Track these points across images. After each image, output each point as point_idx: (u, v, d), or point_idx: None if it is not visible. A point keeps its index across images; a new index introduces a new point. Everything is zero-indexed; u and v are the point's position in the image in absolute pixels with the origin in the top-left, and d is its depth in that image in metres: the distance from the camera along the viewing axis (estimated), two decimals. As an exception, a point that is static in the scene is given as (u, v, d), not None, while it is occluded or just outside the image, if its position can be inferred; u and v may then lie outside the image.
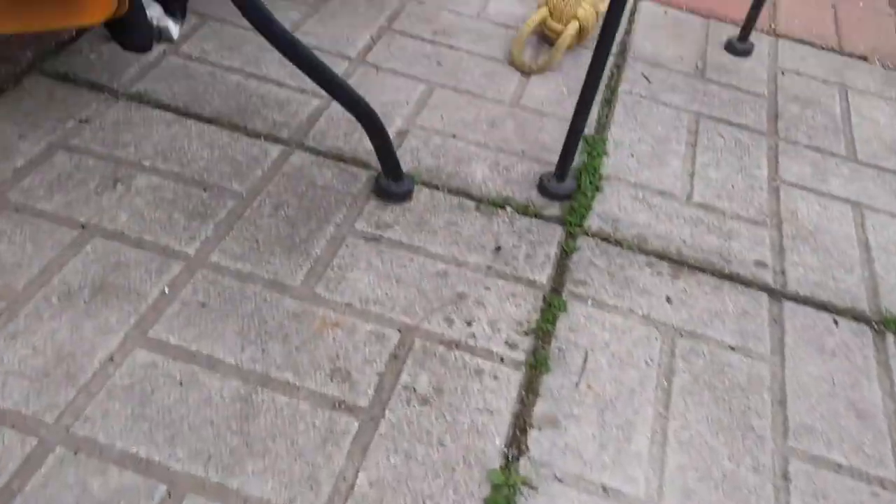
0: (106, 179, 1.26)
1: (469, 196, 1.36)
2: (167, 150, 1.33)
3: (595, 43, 1.21)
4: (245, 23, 1.68)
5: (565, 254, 1.29)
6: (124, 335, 1.04)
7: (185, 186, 1.28)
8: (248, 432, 0.96)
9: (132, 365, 1.01)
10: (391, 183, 1.32)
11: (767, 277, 1.31)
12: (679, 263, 1.30)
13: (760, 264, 1.32)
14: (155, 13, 1.59)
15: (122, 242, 1.17)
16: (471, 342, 1.12)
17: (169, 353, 1.03)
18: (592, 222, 1.35)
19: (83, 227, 1.18)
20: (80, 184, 1.24)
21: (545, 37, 1.78)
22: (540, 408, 1.06)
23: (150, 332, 1.05)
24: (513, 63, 1.69)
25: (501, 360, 1.11)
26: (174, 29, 1.60)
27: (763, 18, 1.99)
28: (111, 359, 1.01)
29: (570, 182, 1.38)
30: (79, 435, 0.93)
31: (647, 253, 1.31)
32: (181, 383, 1.00)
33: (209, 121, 1.42)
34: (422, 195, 1.35)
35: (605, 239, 1.33)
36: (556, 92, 1.65)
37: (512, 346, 1.13)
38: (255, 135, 1.41)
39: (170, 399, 0.98)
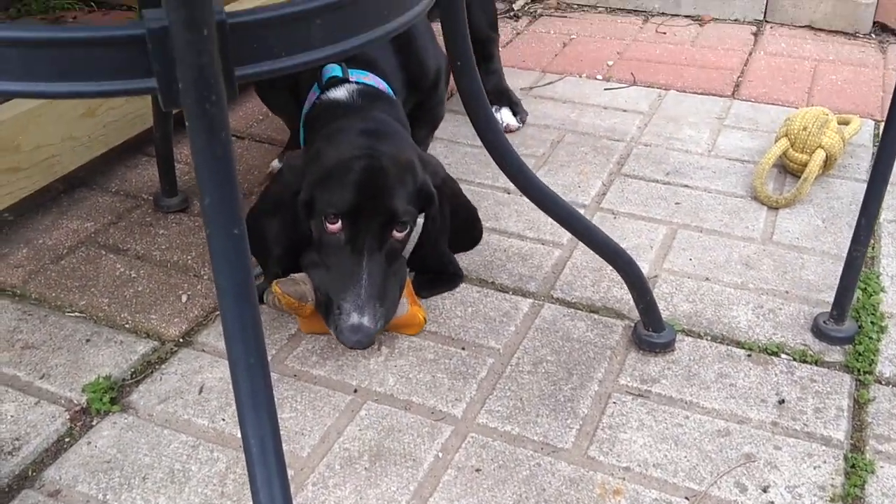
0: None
1: (737, 343, 1.27)
2: (423, 309, 1.37)
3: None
4: (481, 180, 1.75)
5: (859, 405, 1.16)
6: (406, 504, 1.03)
7: (443, 346, 1.29)
8: None
9: (419, 537, 0.99)
10: (652, 334, 1.26)
11: None
12: None
13: None
14: None
15: (393, 406, 1.18)
16: (771, 512, 1.01)
17: (452, 525, 1.01)
18: (884, 368, 1.22)
19: (355, 391, 1.21)
20: (348, 349, 1.29)
21: (786, 168, 1.70)
22: None
23: (430, 502, 1.04)
24: (757, 198, 1.62)
25: (810, 533, 0.98)
26: None
27: None
28: (398, 530, 1.00)
29: (849, 324, 1.26)
30: None
31: (958, 402, 1.15)
32: (469, 558, 0.96)
33: (458, 278, 1.45)
34: (684, 345, 1.28)
35: (904, 387, 1.18)
36: (811, 225, 1.55)
37: (820, 516, 1.00)
38: (504, 289, 1.42)
39: (458, 575, 0.95)
